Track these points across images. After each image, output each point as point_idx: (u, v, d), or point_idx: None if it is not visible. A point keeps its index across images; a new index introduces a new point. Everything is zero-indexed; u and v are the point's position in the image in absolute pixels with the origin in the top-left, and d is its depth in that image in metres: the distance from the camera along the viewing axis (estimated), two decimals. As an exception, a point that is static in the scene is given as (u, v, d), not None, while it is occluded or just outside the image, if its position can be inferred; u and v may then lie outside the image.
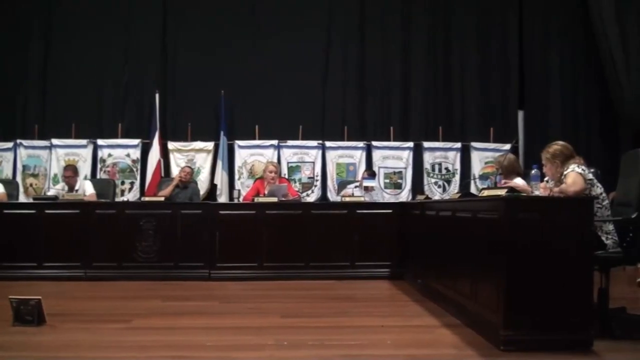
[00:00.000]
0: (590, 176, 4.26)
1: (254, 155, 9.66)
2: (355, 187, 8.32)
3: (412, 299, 5.54)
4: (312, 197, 9.62)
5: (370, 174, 8.69)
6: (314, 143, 9.79)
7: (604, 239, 4.13)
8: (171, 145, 9.57)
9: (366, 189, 7.97)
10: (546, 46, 10.50)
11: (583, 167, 4.23)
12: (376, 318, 4.62)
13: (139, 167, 9.48)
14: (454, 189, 9.73)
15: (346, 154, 9.84)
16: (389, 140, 9.98)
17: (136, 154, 9.50)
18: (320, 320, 4.49)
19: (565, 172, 4.27)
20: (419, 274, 6.02)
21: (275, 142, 9.68)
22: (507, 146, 9.72)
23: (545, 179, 4.50)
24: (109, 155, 9.47)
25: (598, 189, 4.28)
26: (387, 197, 9.56)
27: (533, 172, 4.40)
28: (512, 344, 3.52)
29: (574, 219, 3.67)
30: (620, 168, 4.64)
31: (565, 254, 3.61)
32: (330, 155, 9.80)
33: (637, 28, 9.32)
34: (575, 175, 4.16)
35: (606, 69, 9.72)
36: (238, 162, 9.64)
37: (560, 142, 4.53)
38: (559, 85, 10.43)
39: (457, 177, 9.95)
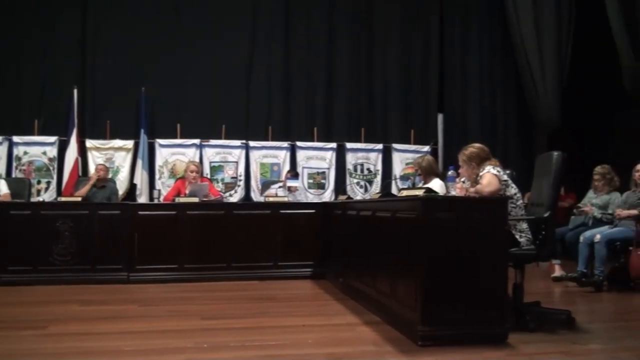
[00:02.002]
0: (505, 177, 4.42)
1: (175, 154, 9.51)
2: (279, 187, 8.32)
3: (334, 297, 5.59)
4: (235, 197, 9.56)
5: (294, 174, 8.71)
6: (238, 142, 9.73)
7: (517, 237, 4.30)
8: (89, 143, 9.29)
9: (290, 189, 7.99)
10: (466, 52, 10.86)
11: (498, 169, 4.39)
12: (298, 317, 4.64)
13: (55, 165, 9.15)
14: (375, 189, 9.88)
15: (270, 154, 9.83)
16: (312, 140, 10.04)
17: (53, 152, 9.17)
18: (242, 321, 4.45)
19: (481, 174, 4.42)
20: (341, 273, 6.07)
21: (197, 141, 9.56)
22: (427, 148, 9.96)
23: (462, 179, 4.63)
24: (25, 153, 9.10)
25: (512, 190, 4.44)
26: (311, 197, 9.62)
27: (449, 173, 4.53)
28: (429, 339, 3.60)
29: (489, 218, 3.81)
30: (534, 170, 4.82)
31: (480, 251, 3.74)
32: (254, 155, 9.77)
33: (554, 36, 9.71)
34: (490, 176, 4.31)
35: (523, 75, 10.10)
36: (159, 162, 9.47)
37: (477, 145, 4.69)
38: (478, 89, 10.80)
39: (379, 178, 10.13)
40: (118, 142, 9.35)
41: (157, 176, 9.43)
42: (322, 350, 3.63)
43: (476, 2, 10.96)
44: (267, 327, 4.26)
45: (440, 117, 10.72)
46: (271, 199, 7.47)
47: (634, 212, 6.11)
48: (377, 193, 6.98)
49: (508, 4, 10.03)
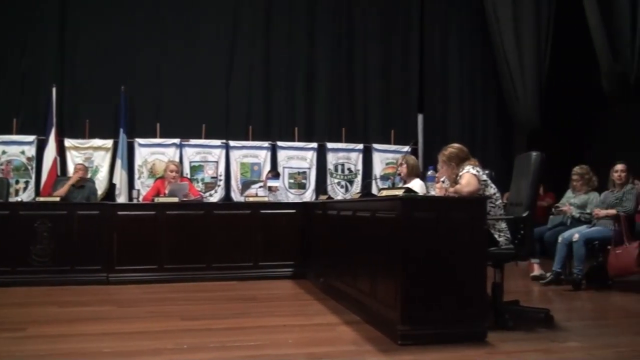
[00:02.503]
0: (485, 177, 4.45)
1: (154, 154, 9.45)
2: (260, 187, 8.30)
3: (314, 297, 5.59)
4: (216, 197, 9.53)
5: (275, 174, 8.69)
6: (218, 142, 9.69)
7: (496, 236, 4.33)
8: (68, 142, 9.20)
9: (270, 189, 7.97)
10: (446, 53, 10.93)
11: (478, 169, 4.42)
12: (278, 318, 4.63)
13: (34, 165, 9.05)
14: (356, 189, 9.90)
15: (250, 154, 9.81)
16: (293, 140, 10.03)
17: (31, 151, 9.07)
18: (222, 322, 4.44)
19: (460, 173, 4.44)
20: (321, 273, 6.07)
21: (177, 140, 9.51)
22: (407, 148, 9.98)
23: (442, 179, 4.65)
24: (3, 152, 9.00)
25: (492, 190, 4.48)
26: (292, 197, 9.61)
27: (429, 173, 4.55)
28: (409, 338, 3.61)
29: (468, 218, 3.83)
30: (513, 170, 4.86)
31: (459, 251, 3.76)
32: (235, 155, 9.74)
33: (533, 37, 9.79)
34: (469, 176, 4.33)
35: (502, 75, 10.17)
36: (138, 161, 9.40)
37: (456, 145, 4.71)
38: (458, 90, 10.88)
39: (359, 178, 10.15)
40: (97, 142, 9.27)
41: (136, 176, 9.36)
42: (302, 350, 3.63)
43: (456, 4, 11.02)
44: (248, 327, 4.24)
45: (420, 117, 10.77)
46: (251, 199, 7.44)
47: (612, 211, 6.18)
48: (358, 193, 7.01)
49: (487, 5, 10.10)
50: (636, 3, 7.98)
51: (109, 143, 9.29)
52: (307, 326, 4.37)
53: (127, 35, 9.48)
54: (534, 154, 4.46)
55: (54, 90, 9.04)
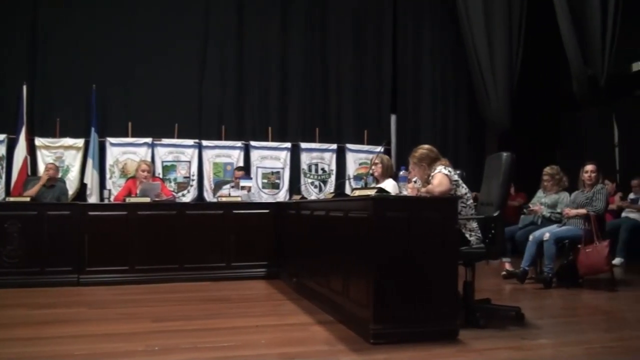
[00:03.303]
0: (456, 177, 4.48)
1: (126, 153, 9.36)
2: (231, 187, 8.26)
3: (288, 297, 5.58)
4: (188, 197, 9.47)
5: (245, 174, 8.64)
6: (190, 142, 9.64)
7: (467, 235, 4.37)
8: (38, 141, 9.07)
9: (242, 189, 7.94)
10: (418, 54, 11.02)
11: (449, 169, 4.45)
12: (251, 318, 4.60)
13: (4, 164, 8.90)
14: (329, 189, 9.92)
15: (223, 154, 9.77)
16: (267, 140, 10.02)
17: (1, 150, 8.93)
18: (194, 323, 4.40)
19: (432, 174, 4.47)
20: (295, 273, 6.06)
21: (149, 140, 9.43)
22: (380, 148, 10.02)
23: (414, 179, 4.68)
24: (-28, 151, 8.83)
25: (463, 189, 4.51)
26: (265, 197, 9.59)
27: (401, 173, 4.57)
28: (381, 337, 3.62)
29: (440, 218, 3.85)
30: (484, 170, 4.90)
31: (431, 250, 3.78)
32: (207, 155, 9.69)
33: (505, 39, 9.89)
34: (441, 176, 4.37)
35: (474, 76, 10.26)
36: (109, 161, 9.31)
37: (426, 146, 4.75)
38: (430, 91, 10.97)
39: (333, 178, 10.17)
40: (68, 141, 9.15)
41: (107, 176, 9.26)
42: (275, 350, 3.61)
43: (429, 6, 11.11)
44: (220, 328, 4.22)
45: (393, 117, 10.83)
46: (224, 199, 7.40)
47: (582, 211, 6.26)
48: (331, 193, 7.01)
49: (460, 7, 10.17)
50: (606, 8, 8.12)
51: (80, 142, 9.18)
52: (280, 326, 4.36)
53: (98, 34, 9.35)
54: (504, 154, 4.51)
55: (24, 88, 8.90)
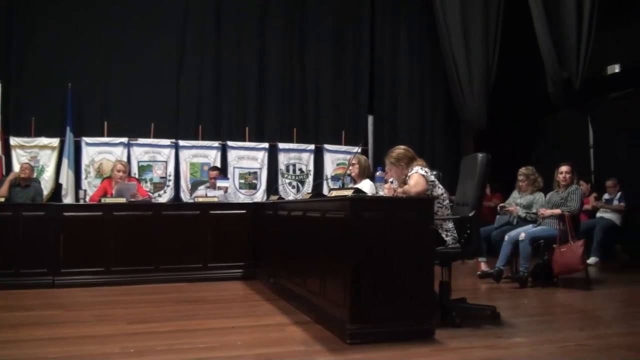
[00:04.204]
0: (432, 178, 4.51)
1: (102, 153, 9.26)
2: (207, 187, 8.22)
3: (265, 298, 5.57)
4: (165, 197, 9.41)
5: (220, 174, 8.61)
6: (167, 142, 9.57)
7: (443, 235, 4.40)
8: (13, 140, 8.95)
9: (219, 189, 7.90)
10: (395, 56, 11.06)
11: (426, 170, 4.48)
12: (227, 319, 4.58)
13: (-21, 164, 8.76)
14: (307, 189, 9.92)
15: (200, 154, 9.71)
16: (244, 140, 9.98)
17: (-24, 150, 8.78)
18: (170, 325, 4.37)
19: (409, 174, 4.49)
20: (272, 274, 6.05)
21: (125, 139, 9.35)
22: (357, 149, 10.03)
23: (390, 180, 4.70)
24: (-54, 151, 8.67)
25: (439, 190, 4.54)
26: (242, 197, 9.56)
27: (378, 173, 4.59)
28: (358, 337, 3.63)
29: (416, 218, 3.87)
30: (460, 171, 4.93)
31: (407, 250, 3.80)
32: (184, 155, 9.63)
33: (481, 40, 9.95)
34: (418, 176, 4.40)
35: (450, 78, 10.32)
36: (85, 160, 9.20)
37: (402, 147, 4.78)
38: (407, 92, 11.02)
39: (311, 178, 10.17)
40: (43, 140, 9.04)
41: (83, 176, 9.16)
42: (251, 351, 3.60)
43: (406, 8, 11.16)
44: (196, 329, 4.20)
45: (370, 118, 10.87)
46: (201, 200, 7.36)
47: (556, 211, 6.34)
48: (309, 193, 7.00)
49: (437, 9, 10.22)
50: (582, 11, 8.21)
51: (55, 142, 9.08)
52: (257, 327, 4.35)
53: (75, 32, 9.25)
54: (479, 155, 4.54)
55: (-1, 86, 8.77)
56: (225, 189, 7.93)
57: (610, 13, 8.67)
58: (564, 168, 6.56)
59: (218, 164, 9.62)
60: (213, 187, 8.06)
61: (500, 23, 10.01)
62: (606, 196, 8.74)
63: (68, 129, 8.99)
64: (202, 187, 8.43)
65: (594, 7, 8.13)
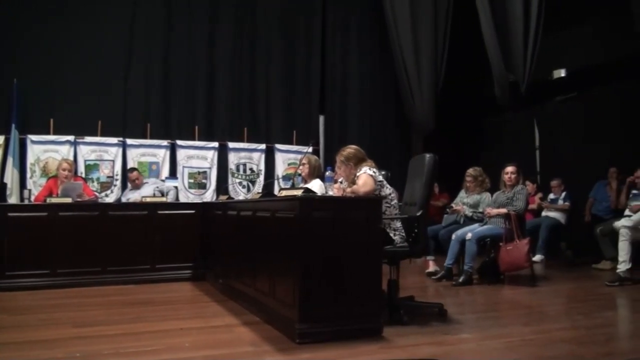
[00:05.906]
0: (381, 178, 4.56)
1: (47, 151, 9.00)
2: (130, 190, 8.14)
3: (213, 299, 5.53)
4: (112, 197, 9.22)
5: (137, 174, 8.45)
6: (114, 140, 9.39)
7: (392, 235, 4.45)
8: (-45, 138, 8.64)
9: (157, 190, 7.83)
10: (346, 56, 11.12)
11: (374, 170, 4.53)
12: (175, 321, 4.53)
13: None
14: (258, 189, 9.89)
15: (149, 153, 9.57)
16: (193, 139, 9.88)
17: None
18: (116, 328, 4.29)
19: (358, 174, 4.53)
20: (221, 274, 6.01)
21: (71, 137, 9.12)
22: (308, 149, 10.06)
23: (339, 179, 4.73)
24: None
25: (387, 190, 4.59)
26: (191, 197, 9.47)
27: (327, 173, 4.62)
28: (307, 336, 3.65)
29: (364, 217, 3.91)
30: (408, 171, 4.99)
31: (356, 249, 3.83)
32: (132, 154, 9.47)
33: (430, 43, 10.09)
34: (366, 176, 4.43)
35: (400, 79, 10.43)
36: (30, 159, 8.92)
37: (353, 146, 4.82)
38: (358, 93, 11.09)
39: (262, 178, 10.15)
40: (-13, 137, 8.75)
41: (28, 175, 8.88)
42: (199, 353, 3.57)
43: (357, 9, 11.23)
44: (143, 332, 4.14)
45: (321, 118, 10.91)
46: (149, 200, 7.25)
47: (502, 210, 6.48)
48: (259, 193, 6.99)
49: (387, 10, 10.31)
50: (529, 15, 8.39)
51: (-1, 139, 8.81)
52: (205, 329, 4.31)
53: (21, 26, 8.95)
54: (427, 155, 4.61)
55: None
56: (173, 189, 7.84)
57: (557, 18, 8.88)
58: (509, 168, 6.70)
59: (167, 163, 9.51)
60: (136, 188, 7.97)
61: (449, 25, 10.18)
62: (551, 196, 8.97)
63: (13, 126, 8.69)
64: (125, 190, 8.34)
65: (540, 12, 8.32)
